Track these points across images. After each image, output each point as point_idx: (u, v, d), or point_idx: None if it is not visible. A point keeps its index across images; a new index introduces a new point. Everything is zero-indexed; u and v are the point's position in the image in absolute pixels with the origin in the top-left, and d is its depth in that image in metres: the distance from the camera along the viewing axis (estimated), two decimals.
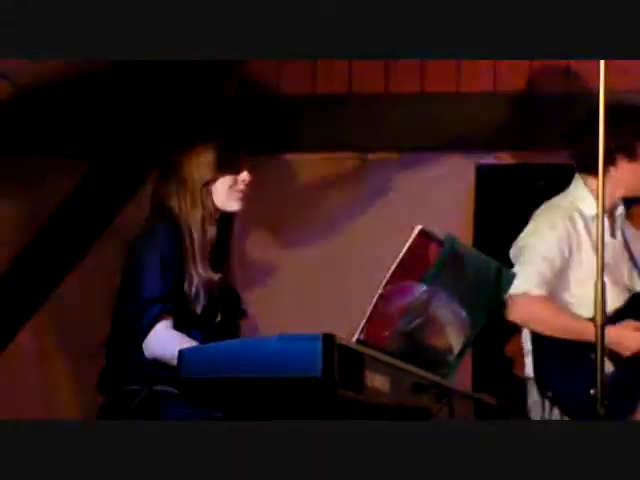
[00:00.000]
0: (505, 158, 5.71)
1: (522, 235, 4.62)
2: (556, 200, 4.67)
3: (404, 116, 5.50)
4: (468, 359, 4.74)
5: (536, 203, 4.72)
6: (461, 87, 5.46)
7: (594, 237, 4.29)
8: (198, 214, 3.80)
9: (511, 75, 5.43)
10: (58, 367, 5.26)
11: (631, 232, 4.76)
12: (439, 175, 5.45)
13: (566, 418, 4.51)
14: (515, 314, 4.45)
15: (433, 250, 3.54)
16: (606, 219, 4.45)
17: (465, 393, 3.88)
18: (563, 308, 4.57)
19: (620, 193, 4.57)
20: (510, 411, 4.23)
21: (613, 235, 4.63)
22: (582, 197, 4.56)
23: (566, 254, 4.59)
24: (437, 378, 3.56)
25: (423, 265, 3.55)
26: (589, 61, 4.03)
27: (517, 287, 4.25)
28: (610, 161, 4.37)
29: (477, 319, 3.76)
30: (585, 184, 4.53)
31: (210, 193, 3.83)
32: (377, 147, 5.55)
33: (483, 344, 4.20)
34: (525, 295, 4.40)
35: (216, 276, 3.81)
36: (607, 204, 4.40)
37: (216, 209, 3.83)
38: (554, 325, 4.54)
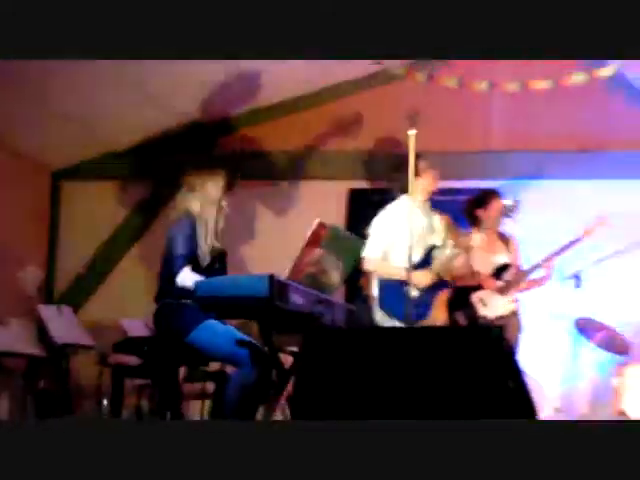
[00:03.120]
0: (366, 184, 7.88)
1: (372, 223, 6.04)
2: (392, 204, 6.04)
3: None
4: (343, 287, 6.40)
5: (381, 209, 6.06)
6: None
7: (410, 220, 5.43)
8: (214, 213, 5.11)
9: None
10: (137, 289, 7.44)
11: (436, 216, 6.12)
12: (327, 195, 7.73)
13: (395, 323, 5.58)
14: (365, 266, 5.83)
15: (325, 231, 4.96)
16: (420, 210, 5.89)
17: (341, 304, 5.40)
18: (388, 264, 5.87)
19: (424, 192, 5.97)
20: (366, 316, 5.66)
21: (422, 217, 5.90)
22: (405, 201, 5.73)
23: (391, 232, 5.92)
24: (327, 296, 5.01)
25: (320, 239, 4.95)
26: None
27: (367, 252, 5.77)
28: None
29: (347, 268, 5.24)
30: (402, 195, 5.81)
31: (222, 204, 5.16)
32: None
33: (350, 280, 5.74)
34: (368, 257, 5.79)
35: (220, 246, 5.13)
36: (419, 202, 5.90)
37: (224, 214, 5.14)
38: (383, 271, 5.94)
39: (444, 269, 5.96)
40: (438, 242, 6.03)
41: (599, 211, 6.40)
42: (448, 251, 5.99)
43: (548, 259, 6.35)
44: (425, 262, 5.92)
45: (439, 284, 5.96)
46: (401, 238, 5.66)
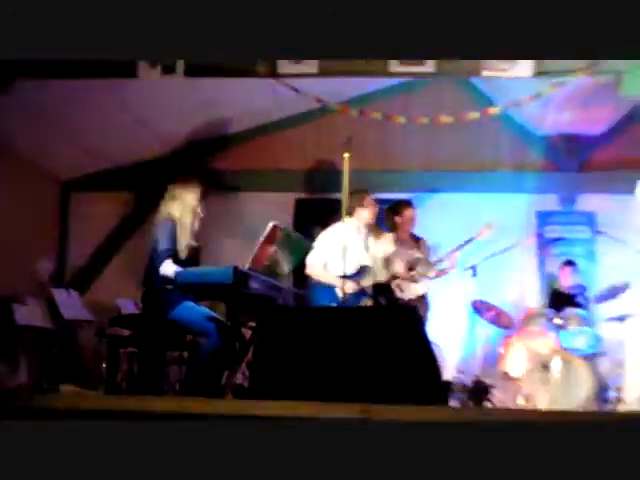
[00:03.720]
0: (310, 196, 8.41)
1: (318, 237, 5.96)
2: (337, 224, 5.93)
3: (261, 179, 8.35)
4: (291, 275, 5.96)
5: (325, 220, 6.10)
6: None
7: (347, 240, 5.66)
8: (191, 217, 5.08)
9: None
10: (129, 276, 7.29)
11: (371, 238, 6.10)
12: (279, 204, 8.14)
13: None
14: (308, 271, 5.88)
15: (278, 232, 4.97)
16: (355, 232, 6.00)
17: (290, 290, 5.48)
18: (326, 271, 5.89)
19: (365, 220, 6.02)
20: (303, 298, 5.72)
21: (360, 239, 5.98)
22: (348, 224, 5.81)
23: (333, 247, 5.86)
24: (279, 283, 5.09)
25: (274, 238, 4.93)
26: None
27: (310, 260, 5.80)
28: (358, 208, 5.86)
29: (295, 262, 5.31)
30: (348, 218, 5.78)
31: (197, 210, 5.12)
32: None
33: (298, 270, 5.68)
34: (311, 264, 5.85)
35: (195, 243, 5.11)
36: (358, 226, 5.98)
37: (199, 217, 5.14)
38: (321, 276, 5.90)
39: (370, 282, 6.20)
40: (370, 263, 6.11)
41: (489, 217, 6.76)
42: (379, 275, 6.12)
43: (450, 254, 6.71)
44: (356, 275, 6.00)
45: (361, 294, 6.00)
46: (339, 253, 5.79)
